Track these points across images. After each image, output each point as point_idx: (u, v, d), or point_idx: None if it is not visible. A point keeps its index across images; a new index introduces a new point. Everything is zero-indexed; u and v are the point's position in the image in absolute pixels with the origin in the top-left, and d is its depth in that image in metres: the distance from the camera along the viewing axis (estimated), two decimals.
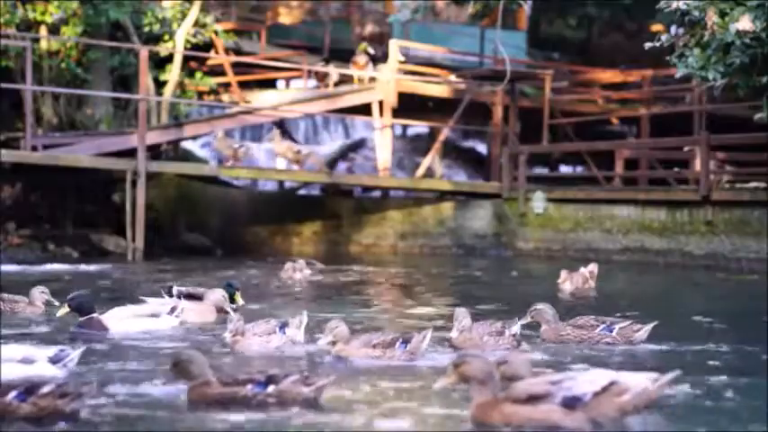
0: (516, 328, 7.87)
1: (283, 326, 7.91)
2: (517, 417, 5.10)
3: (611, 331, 7.89)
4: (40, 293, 9.77)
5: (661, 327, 8.18)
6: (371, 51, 21.87)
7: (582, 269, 12.96)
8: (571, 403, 5.09)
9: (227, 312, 9.27)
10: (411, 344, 7.27)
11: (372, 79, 21.47)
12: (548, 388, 5.15)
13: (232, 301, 9.87)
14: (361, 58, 21.55)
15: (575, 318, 8.25)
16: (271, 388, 5.71)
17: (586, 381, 5.21)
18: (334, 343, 7.31)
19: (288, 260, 14.55)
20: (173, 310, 9.02)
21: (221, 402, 5.67)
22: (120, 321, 8.67)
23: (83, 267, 15.52)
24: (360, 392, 6.20)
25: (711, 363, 7.34)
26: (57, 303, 9.42)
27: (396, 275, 15.58)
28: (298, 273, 13.88)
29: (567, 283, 12.71)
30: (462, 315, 7.68)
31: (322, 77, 22.67)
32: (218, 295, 9.60)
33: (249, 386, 5.72)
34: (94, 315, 8.53)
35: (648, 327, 7.95)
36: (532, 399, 5.11)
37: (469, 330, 7.62)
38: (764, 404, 5.95)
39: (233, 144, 18.76)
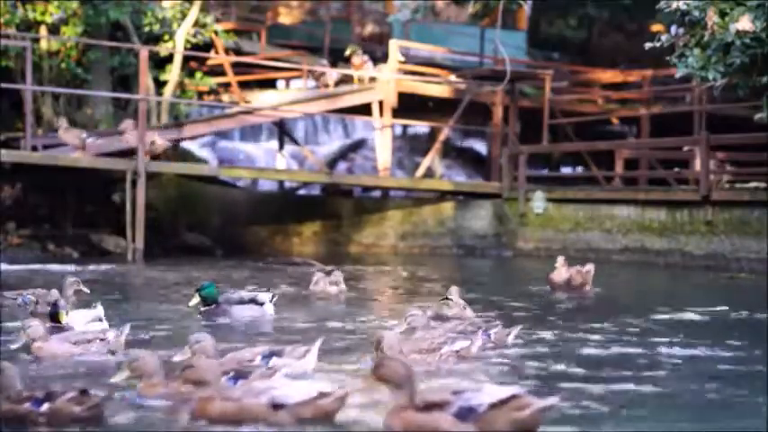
0: (460, 344, 7.32)
1: (272, 354, 6.70)
2: (412, 424, 5.00)
3: (490, 336, 7.79)
4: None
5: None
6: (359, 53, 21.73)
7: (578, 267, 12.91)
8: (464, 414, 4.93)
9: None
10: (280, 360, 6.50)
11: (372, 79, 21.46)
12: (447, 397, 5.02)
13: None
14: (356, 59, 21.53)
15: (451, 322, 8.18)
16: (45, 406, 5.43)
17: (487, 393, 5.03)
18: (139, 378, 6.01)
19: (317, 269, 12.42)
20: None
21: (7, 419, 5.44)
22: None
23: (82, 267, 15.49)
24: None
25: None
26: None
27: (433, 277, 15.03)
28: (333, 286, 11.32)
29: (563, 270, 12.55)
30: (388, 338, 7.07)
31: (318, 76, 22.65)
32: (455, 290, 9.37)
33: (27, 404, 5.46)
34: None
35: (515, 330, 8.00)
36: (430, 407, 5.00)
37: (391, 348, 6.92)
38: None
39: (80, 134, 17.88)
